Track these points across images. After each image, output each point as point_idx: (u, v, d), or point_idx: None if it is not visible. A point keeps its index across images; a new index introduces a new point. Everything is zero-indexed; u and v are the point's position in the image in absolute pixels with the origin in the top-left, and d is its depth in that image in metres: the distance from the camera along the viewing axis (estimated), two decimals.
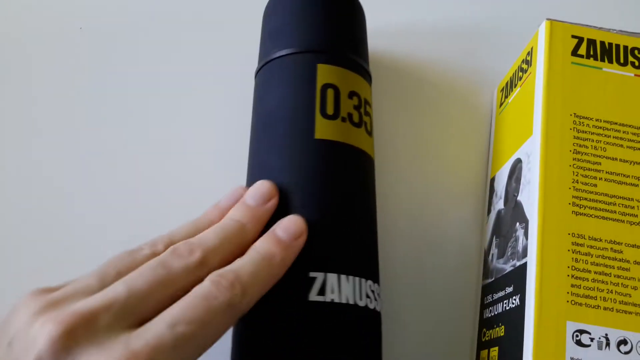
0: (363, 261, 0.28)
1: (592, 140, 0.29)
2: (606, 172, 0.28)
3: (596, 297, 0.26)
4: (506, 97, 0.35)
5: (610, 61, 0.31)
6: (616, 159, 0.29)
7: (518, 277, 0.27)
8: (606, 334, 0.25)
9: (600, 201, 0.28)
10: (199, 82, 0.38)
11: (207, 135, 0.37)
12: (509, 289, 0.28)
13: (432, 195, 0.36)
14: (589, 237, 0.27)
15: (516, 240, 0.29)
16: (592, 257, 0.27)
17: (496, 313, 0.29)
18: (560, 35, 0.31)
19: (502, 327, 0.28)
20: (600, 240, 0.27)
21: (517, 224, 0.29)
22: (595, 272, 0.26)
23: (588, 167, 0.28)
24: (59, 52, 0.39)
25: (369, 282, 0.27)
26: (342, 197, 0.28)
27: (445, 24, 0.40)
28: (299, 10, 0.32)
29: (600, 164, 0.28)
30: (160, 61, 0.39)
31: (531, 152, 0.29)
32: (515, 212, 0.29)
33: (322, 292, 0.26)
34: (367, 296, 0.27)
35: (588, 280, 0.26)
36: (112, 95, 0.38)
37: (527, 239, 0.27)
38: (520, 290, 0.27)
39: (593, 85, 0.30)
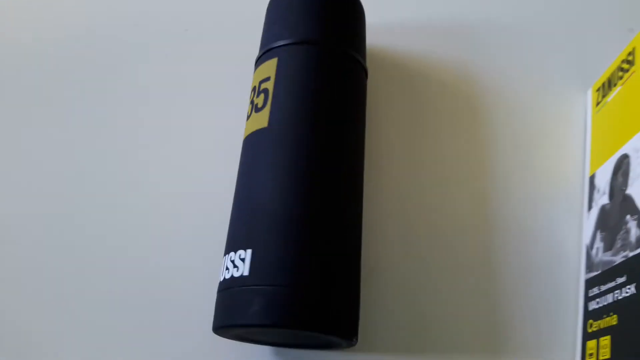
0: (229, 237, 0.31)
1: None
2: None
3: None
4: (604, 96, 0.36)
5: None
6: None
7: (632, 266, 0.28)
8: None
9: None
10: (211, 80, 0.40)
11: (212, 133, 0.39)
12: (621, 279, 0.29)
13: (528, 194, 0.37)
14: None
15: (627, 232, 0.29)
16: None
17: (605, 304, 0.30)
18: None
19: (614, 316, 0.29)
20: None
21: (628, 216, 0.30)
22: None
23: None
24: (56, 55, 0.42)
25: (228, 254, 0.30)
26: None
27: (530, 22, 0.42)
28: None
29: None
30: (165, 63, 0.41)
31: None
32: (624, 206, 0.30)
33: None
34: (226, 268, 0.29)
35: None
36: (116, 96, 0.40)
37: None
38: (636, 278, 0.28)
39: None
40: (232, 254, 0.30)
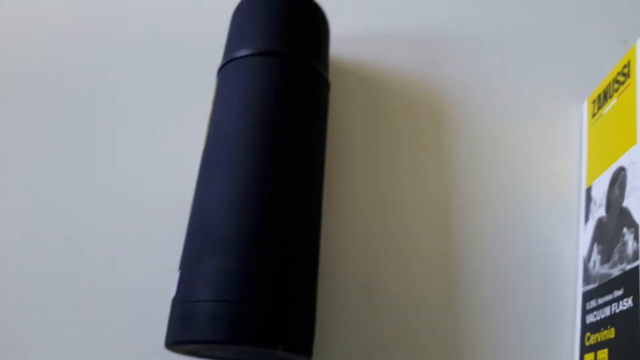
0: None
1: None
2: None
3: None
4: (599, 108, 0.36)
5: None
6: None
7: (629, 279, 0.28)
8: None
9: None
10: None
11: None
12: (618, 292, 0.29)
13: (521, 206, 0.37)
14: None
15: (624, 245, 0.29)
16: None
17: (603, 317, 0.30)
18: None
19: (612, 329, 0.29)
20: None
21: (625, 229, 0.30)
22: None
23: None
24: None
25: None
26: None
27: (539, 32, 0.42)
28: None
29: None
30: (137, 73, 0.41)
31: (637, 159, 0.30)
32: (621, 218, 0.30)
33: None
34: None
35: None
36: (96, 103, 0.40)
37: (638, 242, 0.28)
38: (633, 291, 0.28)
39: None
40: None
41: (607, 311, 0.30)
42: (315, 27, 0.35)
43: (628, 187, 0.30)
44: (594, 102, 0.37)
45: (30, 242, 0.36)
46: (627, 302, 0.28)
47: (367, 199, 0.37)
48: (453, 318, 0.34)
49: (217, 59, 0.38)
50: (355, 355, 0.33)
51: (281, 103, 0.32)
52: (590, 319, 0.32)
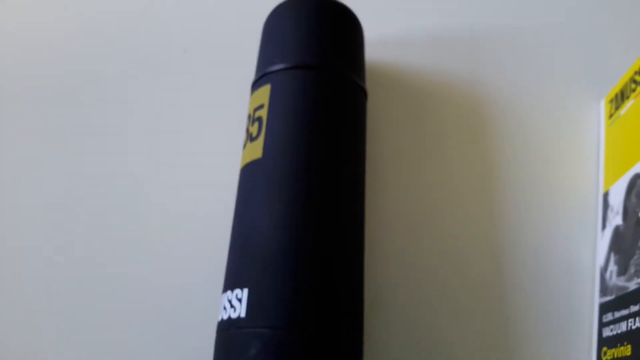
0: (226, 274, 0.30)
1: None
2: None
3: None
4: (616, 108, 0.34)
5: None
6: None
7: None
8: None
9: None
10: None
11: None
12: (635, 308, 0.28)
13: (539, 210, 0.35)
14: None
15: None
16: None
17: (619, 332, 0.29)
18: None
19: (629, 346, 0.28)
20: None
21: None
22: None
23: None
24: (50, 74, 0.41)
25: (226, 293, 0.29)
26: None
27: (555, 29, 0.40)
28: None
29: None
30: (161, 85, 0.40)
31: None
32: (638, 229, 0.29)
33: None
34: (224, 308, 0.29)
35: None
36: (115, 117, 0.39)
37: None
38: None
39: None
40: (229, 292, 0.29)
41: (623, 326, 0.29)
42: (350, 35, 0.34)
43: None
44: (611, 101, 0.36)
45: (76, 252, 0.36)
46: None
47: (408, 205, 0.36)
48: (464, 325, 0.33)
49: (250, 70, 0.38)
50: None
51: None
52: (607, 332, 0.30)
